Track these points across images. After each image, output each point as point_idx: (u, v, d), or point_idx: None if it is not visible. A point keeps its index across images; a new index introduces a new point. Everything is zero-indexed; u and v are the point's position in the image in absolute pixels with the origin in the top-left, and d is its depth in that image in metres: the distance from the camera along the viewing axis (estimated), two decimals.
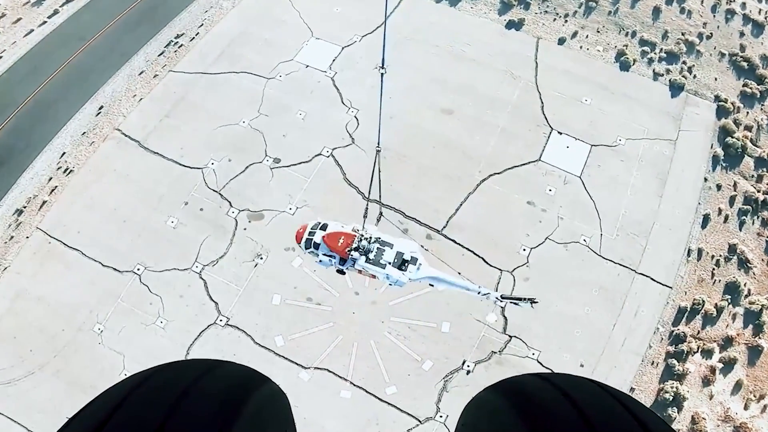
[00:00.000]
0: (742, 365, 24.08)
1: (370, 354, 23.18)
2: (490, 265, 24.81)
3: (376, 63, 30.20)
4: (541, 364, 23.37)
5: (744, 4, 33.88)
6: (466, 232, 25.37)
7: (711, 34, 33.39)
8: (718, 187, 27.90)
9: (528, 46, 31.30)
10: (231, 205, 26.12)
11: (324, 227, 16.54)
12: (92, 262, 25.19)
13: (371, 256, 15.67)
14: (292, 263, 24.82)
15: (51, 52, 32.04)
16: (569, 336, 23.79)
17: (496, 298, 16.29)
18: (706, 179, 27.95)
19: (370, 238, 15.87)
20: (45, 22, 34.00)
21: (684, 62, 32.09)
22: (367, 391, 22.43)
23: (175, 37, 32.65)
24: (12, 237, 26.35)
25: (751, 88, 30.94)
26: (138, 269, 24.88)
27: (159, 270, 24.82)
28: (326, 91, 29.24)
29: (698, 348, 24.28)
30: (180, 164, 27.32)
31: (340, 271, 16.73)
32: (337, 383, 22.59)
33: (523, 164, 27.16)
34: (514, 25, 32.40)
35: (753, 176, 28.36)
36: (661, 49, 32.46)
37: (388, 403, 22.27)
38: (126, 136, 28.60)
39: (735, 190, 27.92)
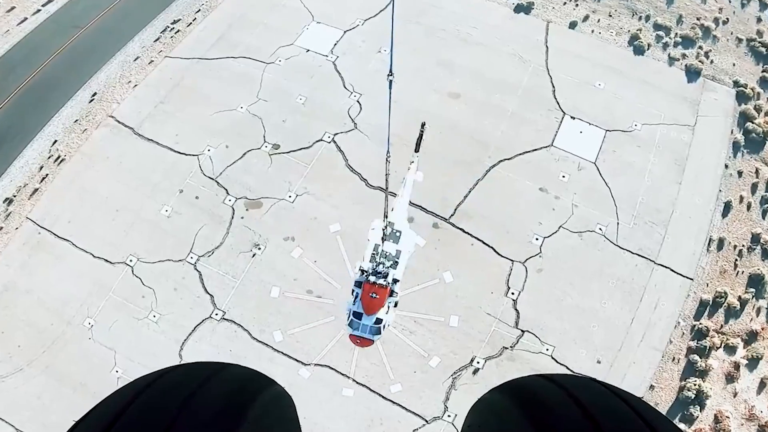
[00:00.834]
0: (767, 361, 22.75)
1: (374, 350, 22.04)
2: (501, 256, 23.56)
3: (379, 47, 29.07)
4: (555, 360, 22.12)
5: None
6: (475, 221, 24.14)
7: (727, 19, 32.31)
8: (739, 173, 26.60)
9: (537, 30, 30.09)
10: (228, 193, 24.97)
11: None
12: (83, 254, 24.10)
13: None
14: (291, 254, 23.64)
15: (45, 40, 31.13)
16: (585, 331, 22.52)
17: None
18: (726, 166, 26.66)
19: (388, 255, 15.50)
20: (39, 10, 33.05)
21: (700, 47, 30.94)
22: (370, 389, 21.42)
23: (172, 23, 31.63)
24: (1, 228, 25.28)
25: None
26: (130, 260, 23.76)
27: (152, 261, 23.70)
28: (328, 75, 28.10)
29: (721, 343, 23.18)
30: (175, 151, 26.22)
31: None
32: (338, 381, 21.53)
33: (535, 150, 25.93)
34: (523, 8, 31.21)
35: None
36: (676, 33, 31.31)
37: (393, 402, 21.24)
38: (120, 123, 27.53)
39: (757, 177, 26.61)
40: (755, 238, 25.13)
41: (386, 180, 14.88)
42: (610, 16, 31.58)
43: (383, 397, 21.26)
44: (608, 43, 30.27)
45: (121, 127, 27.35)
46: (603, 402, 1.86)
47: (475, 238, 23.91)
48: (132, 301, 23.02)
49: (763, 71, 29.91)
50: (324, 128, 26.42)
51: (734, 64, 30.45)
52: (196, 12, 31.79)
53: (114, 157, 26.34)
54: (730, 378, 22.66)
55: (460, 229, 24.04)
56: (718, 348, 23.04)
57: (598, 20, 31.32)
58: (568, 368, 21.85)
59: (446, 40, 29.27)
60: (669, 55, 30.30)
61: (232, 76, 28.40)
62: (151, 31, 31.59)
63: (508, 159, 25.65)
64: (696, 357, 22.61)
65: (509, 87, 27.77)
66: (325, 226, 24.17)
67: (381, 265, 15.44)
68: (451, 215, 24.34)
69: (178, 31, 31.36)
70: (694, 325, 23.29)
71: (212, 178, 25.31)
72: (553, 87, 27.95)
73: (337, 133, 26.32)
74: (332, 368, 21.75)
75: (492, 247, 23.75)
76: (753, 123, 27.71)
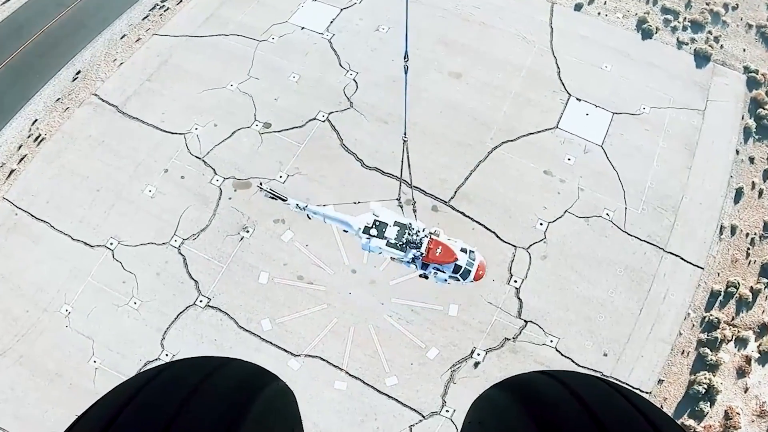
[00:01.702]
0: None
1: (369, 340, 20.92)
2: (504, 241, 22.38)
3: (377, 24, 27.84)
4: (559, 352, 20.96)
5: None
6: (476, 204, 22.94)
7: (737, 5, 31.46)
8: (751, 159, 25.56)
9: (542, 11, 28.97)
10: (215, 173, 23.68)
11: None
12: (61, 236, 22.77)
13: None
14: (281, 237, 22.38)
15: (30, 18, 29.87)
16: (591, 322, 21.37)
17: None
18: (737, 152, 25.63)
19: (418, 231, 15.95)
20: None
21: (709, 32, 30.02)
22: (364, 382, 20.28)
23: (161, 0, 30.29)
24: None
25: None
26: (111, 243, 22.43)
27: (134, 244, 22.38)
28: (323, 53, 26.85)
29: (732, 336, 22.15)
30: (161, 130, 24.91)
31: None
32: (330, 373, 20.36)
33: (539, 131, 24.77)
34: None
35: None
36: (685, 18, 30.36)
37: (388, 396, 20.11)
38: (103, 101, 26.19)
39: None
40: None
41: (402, 162, 15.15)
42: None
43: (378, 390, 20.14)
44: (615, 25, 29.19)
45: (105, 106, 26.01)
46: (606, 400, 1.85)
47: (476, 222, 22.72)
48: (112, 287, 21.72)
49: None
50: (318, 107, 25.16)
51: (744, 50, 29.51)
52: None
53: (96, 136, 25.00)
54: (741, 372, 21.70)
55: (461, 212, 22.85)
56: (729, 341, 22.02)
57: (605, 2, 30.25)
58: (573, 361, 20.70)
59: (447, 20, 28.08)
60: (677, 39, 29.28)
61: (223, 54, 27.11)
62: (140, 9, 30.31)
63: (512, 140, 24.47)
64: (707, 350, 21.57)
65: (513, 67, 26.61)
66: None
67: (413, 236, 15.66)
68: (451, 198, 23.15)
69: (168, 8, 30.07)
70: (705, 317, 22.23)
71: (199, 158, 24.01)
72: (558, 68, 26.82)
73: (331, 112, 25.07)
74: (324, 359, 20.57)
75: (494, 232, 22.58)
76: (764, 109, 26.77)
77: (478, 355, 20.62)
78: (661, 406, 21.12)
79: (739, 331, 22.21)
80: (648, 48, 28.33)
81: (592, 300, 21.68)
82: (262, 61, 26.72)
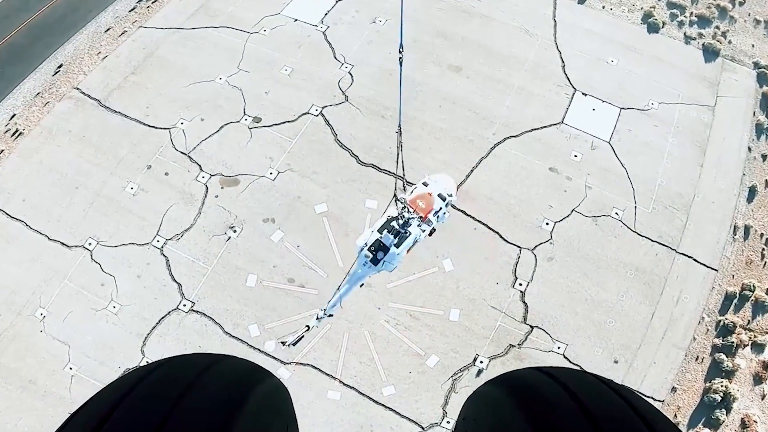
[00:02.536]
0: None
1: (364, 347, 19.72)
2: (508, 242, 21.20)
3: (374, 17, 26.74)
4: (567, 359, 19.77)
5: None
6: (478, 202, 21.78)
7: (744, 0, 30.60)
8: (764, 157, 24.57)
9: (545, 4, 28.00)
10: (201, 169, 22.41)
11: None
12: (37, 236, 21.45)
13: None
14: (271, 237, 21.11)
15: (13, 11, 28.63)
16: (601, 327, 20.20)
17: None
18: (750, 149, 24.60)
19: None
20: None
21: (717, 27, 29.18)
22: (359, 392, 19.08)
23: None
24: None
25: None
26: (89, 244, 21.12)
27: (114, 245, 21.08)
28: (317, 45, 25.72)
29: (749, 340, 21.05)
30: (144, 124, 23.65)
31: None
32: (323, 382, 19.14)
33: (544, 127, 23.66)
34: None
35: None
36: (692, 12, 29.53)
37: (385, 407, 18.92)
38: (85, 95, 24.94)
39: None
40: None
41: (398, 155, 14.71)
42: None
43: (374, 400, 18.92)
44: (620, 19, 28.26)
45: (87, 99, 24.75)
46: (597, 394, 1.86)
47: (479, 221, 21.57)
48: (90, 290, 20.40)
49: None
50: (311, 101, 23.97)
51: (753, 46, 28.69)
52: None
53: (77, 131, 23.72)
54: (759, 379, 20.71)
55: (462, 211, 21.68)
56: (745, 346, 20.97)
57: None
58: (582, 369, 19.47)
59: (446, 11, 27.05)
60: (685, 33, 28.40)
61: (211, 47, 25.95)
62: (127, 1, 29.13)
63: (515, 136, 23.35)
64: (722, 356, 20.49)
65: (515, 61, 25.55)
66: (310, 206, 21.71)
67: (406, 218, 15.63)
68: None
69: (156, 1, 28.91)
70: (720, 321, 21.13)
71: (184, 153, 22.75)
72: (563, 62, 25.79)
73: (325, 106, 23.88)
74: (316, 368, 19.32)
75: (497, 232, 21.41)
76: None
77: (481, 362, 19.44)
78: (675, 416, 19.97)
79: (755, 336, 21.18)
80: (655, 42, 27.40)
81: (602, 304, 20.51)
82: (253, 53, 25.57)
